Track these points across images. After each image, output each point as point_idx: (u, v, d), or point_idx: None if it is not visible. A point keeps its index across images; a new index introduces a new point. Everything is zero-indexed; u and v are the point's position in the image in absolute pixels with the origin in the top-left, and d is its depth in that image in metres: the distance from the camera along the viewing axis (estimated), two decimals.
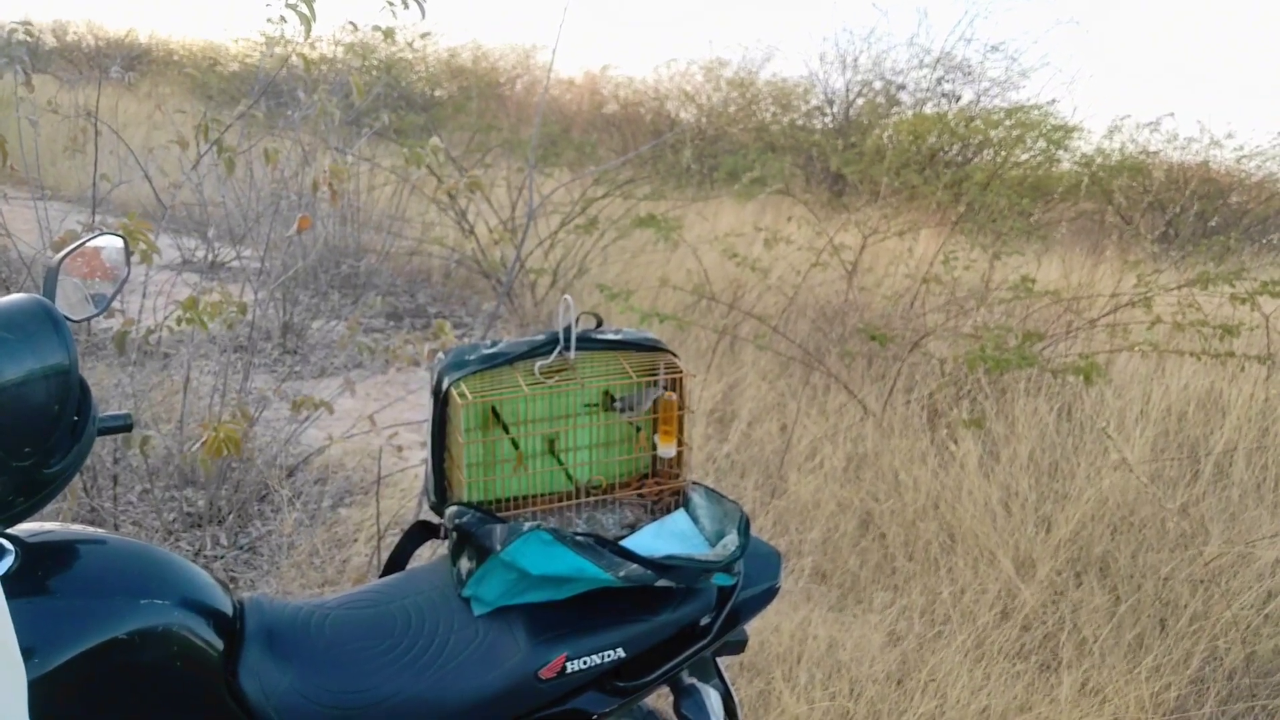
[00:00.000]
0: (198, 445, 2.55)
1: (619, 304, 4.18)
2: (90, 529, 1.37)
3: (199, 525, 3.29)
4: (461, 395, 1.42)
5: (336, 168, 2.53)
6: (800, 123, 10.98)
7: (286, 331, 5.38)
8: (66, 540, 1.31)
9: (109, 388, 3.99)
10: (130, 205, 5.65)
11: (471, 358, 1.46)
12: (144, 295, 3.12)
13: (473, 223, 6.62)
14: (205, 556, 3.13)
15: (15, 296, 1.20)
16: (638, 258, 6.70)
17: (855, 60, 11.61)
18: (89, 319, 1.38)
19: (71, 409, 1.23)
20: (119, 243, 1.41)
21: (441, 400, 1.45)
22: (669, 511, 1.56)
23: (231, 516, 3.33)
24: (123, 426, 1.39)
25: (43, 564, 1.24)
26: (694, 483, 1.59)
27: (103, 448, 3.19)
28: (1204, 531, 3.37)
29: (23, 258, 3.50)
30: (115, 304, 3.39)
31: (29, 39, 2.53)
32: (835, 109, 10.93)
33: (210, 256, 5.69)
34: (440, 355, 1.48)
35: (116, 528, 3.10)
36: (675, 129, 10.11)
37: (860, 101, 10.73)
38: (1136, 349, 4.29)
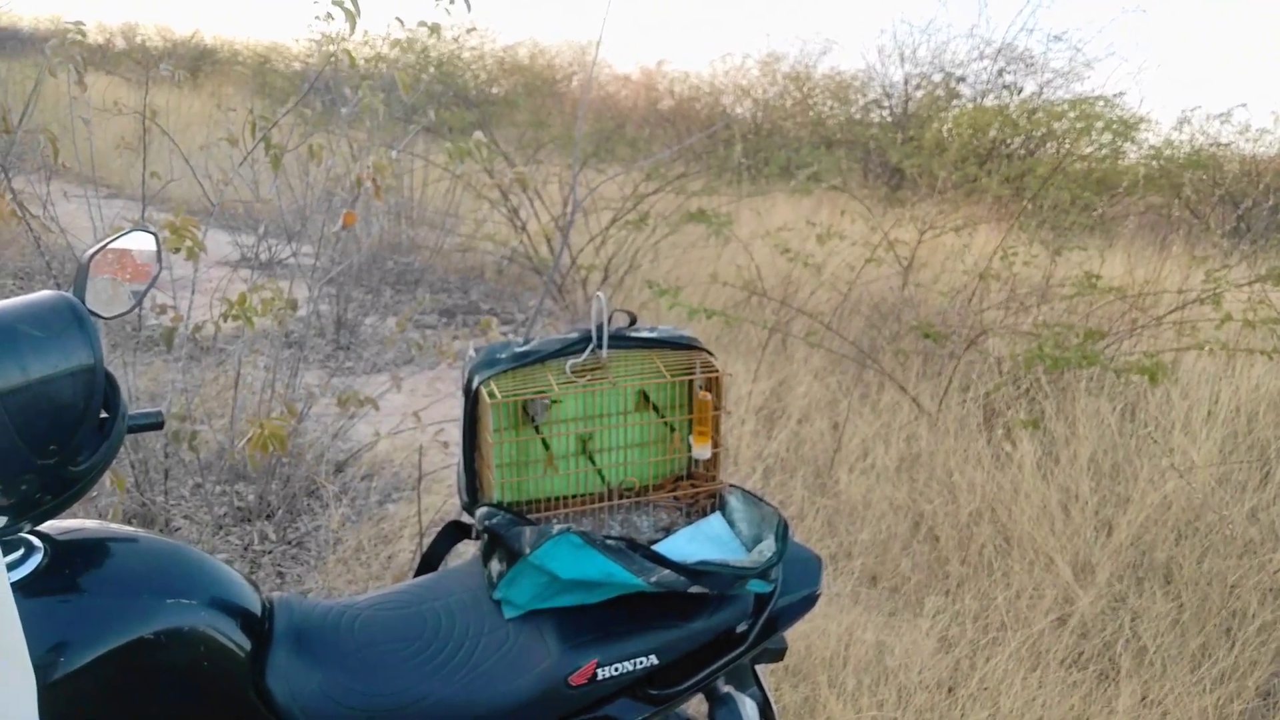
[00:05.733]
0: (244, 442, 2.57)
1: (667, 300, 4.13)
2: (121, 527, 1.37)
3: (249, 520, 3.32)
4: (491, 394, 1.39)
5: (380, 163, 2.53)
6: (857, 116, 10.82)
7: (340, 327, 5.43)
8: (96, 538, 1.31)
9: (165, 383, 4.06)
10: (186, 202, 5.75)
11: (502, 356, 1.43)
12: (193, 292, 3.15)
13: (524, 219, 6.62)
14: (254, 551, 3.16)
15: (43, 294, 1.20)
16: (689, 253, 6.65)
17: (914, 52, 11.42)
18: (119, 316, 1.38)
19: (98, 406, 1.23)
20: (150, 240, 1.40)
21: (472, 399, 1.42)
22: (705, 515, 1.51)
23: (280, 511, 3.35)
24: (153, 424, 1.39)
25: (71, 562, 1.24)
26: (731, 485, 1.55)
27: (155, 442, 3.24)
28: (1274, 538, 3.23)
29: (76, 255, 3.57)
30: (168, 300, 3.44)
31: (81, 39, 2.55)
32: (893, 102, 10.75)
33: (265, 253, 5.76)
34: (472, 353, 1.46)
35: (168, 523, 3.14)
36: (728, 123, 10.03)
37: (919, 94, 10.53)
38: (1205, 348, 4.13)
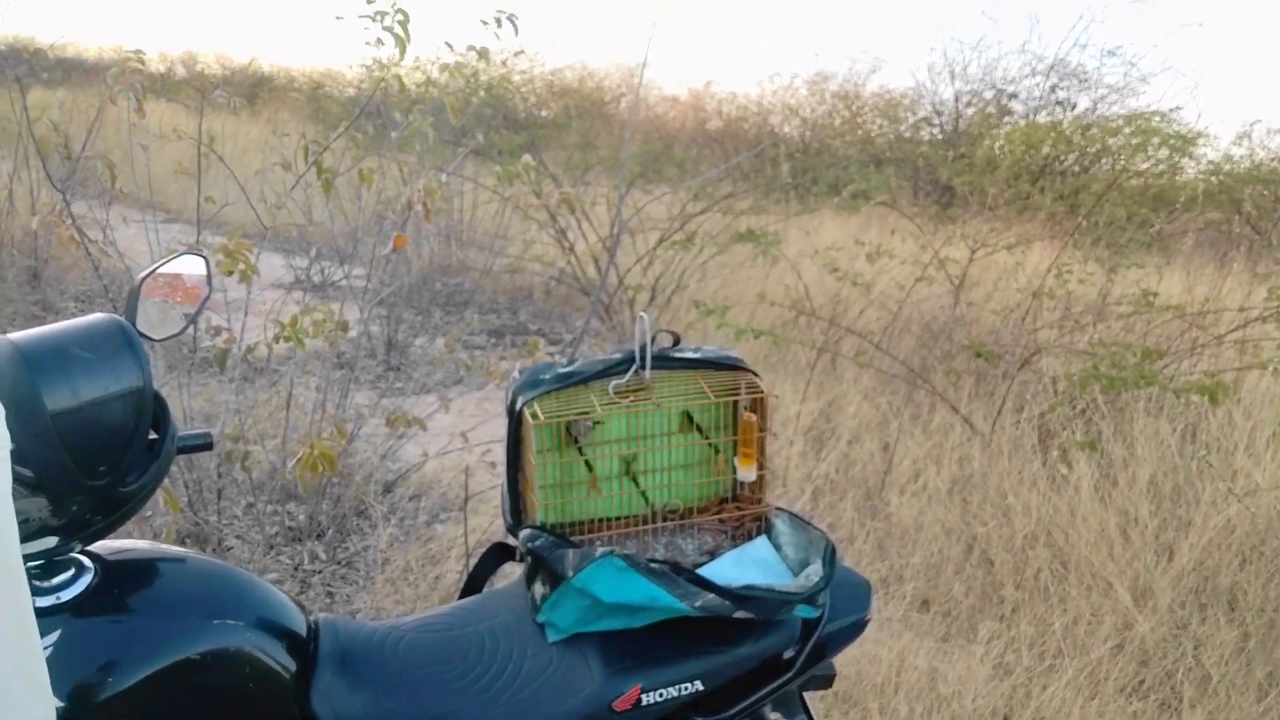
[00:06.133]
0: (295, 462, 2.60)
1: (714, 320, 4.12)
2: (170, 548, 1.38)
3: (299, 540, 3.36)
4: (534, 415, 1.39)
5: (430, 187, 2.55)
6: (907, 134, 10.74)
7: (390, 348, 5.49)
8: (145, 559, 1.33)
9: (219, 404, 4.13)
10: (242, 226, 5.88)
11: (546, 377, 1.43)
12: (246, 314, 3.20)
13: (572, 240, 6.65)
14: (304, 571, 3.19)
15: (94, 316, 1.22)
16: (736, 273, 6.63)
17: (964, 69, 11.30)
18: (170, 338, 1.40)
19: (147, 427, 1.24)
20: (201, 264, 1.42)
21: (515, 420, 1.42)
22: (750, 538, 1.49)
23: (330, 531, 3.38)
24: (202, 445, 1.40)
25: (120, 582, 1.25)
26: (777, 508, 1.53)
27: (208, 462, 3.29)
28: None
29: (133, 278, 3.65)
30: (222, 322, 3.51)
31: (141, 67, 2.62)
32: (943, 120, 10.65)
33: (318, 275, 5.85)
34: (516, 374, 1.45)
35: (220, 542, 3.19)
36: (776, 142, 10.01)
37: (970, 112, 10.43)
38: (1268, 367, 4.01)
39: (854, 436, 4.21)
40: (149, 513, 2.98)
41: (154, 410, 1.27)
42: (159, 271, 1.38)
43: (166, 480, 2.84)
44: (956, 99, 10.56)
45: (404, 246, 2.82)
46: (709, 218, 6.51)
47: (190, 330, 3.42)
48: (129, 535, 2.82)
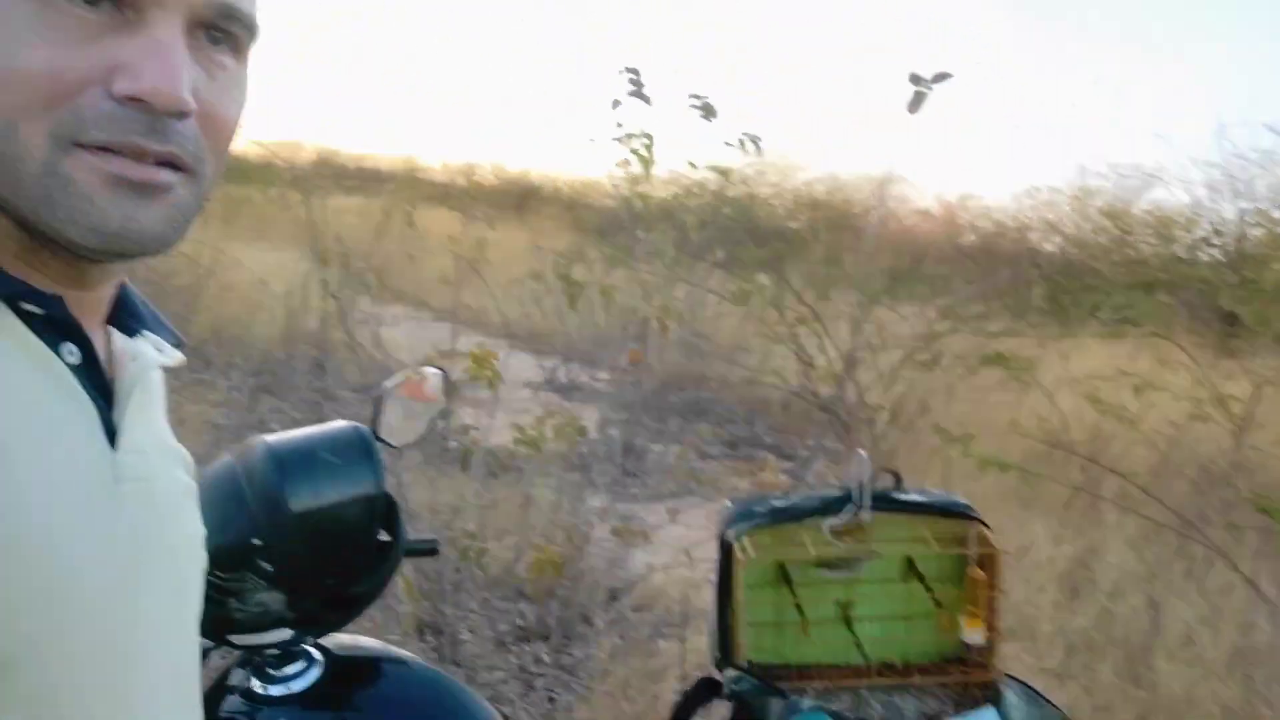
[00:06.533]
0: (524, 564, 2.68)
1: (958, 449, 3.90)
2: (395, 649, 1.44)
3: (528, 640, 3.43)
4: (744, 550, 1.35)
5: (666, 304, 2.62)
6: (1182, 255, 9.92)
7: (627, 453, 5.60)
8: (371, 658, 1.39)
9: (465, 496, 4.35)
10: (501, 326, 6.31)
11: (759, 510, 1.39)
12: (493, 416, 3.38)
13: (811, 355, 6.59)
14: (529, 673, 3.25)
15: (338, 423, 1.32)
16: (985, 398, 6.30)
17: (1249, 185, 10.37)
18: (407, 445, 1.49)
19: (378, 531, 1.32)
20: (439, 376, 1.52)
21: (725, 553, 1.38)
22: (976, 707, 1.36)
23: (556, 634, 3.43)
24: (428, 550, 1.47)
25: (347, 679, 1.32)
26: (1009, 677, 1.38)
27: (449, 554, 3.45)
28: None
29: (400, 369, 3.95)
30: (469, 420, 3.73)
31: (420, 178, 2.87)
32: (1225, 240, 9.77)
33: (564, 376, 6.12)
34: (728, 504, 1.43)
35: (454, 635, 3.30)
36: (1034, 260, 9.55)
37: (1257, 232, 9.52)
38: None
39: (1115, 589, 3.81)
40: (389, 599, 3.15)
41: (386, 513, 1.35)
42: (402, 382, 1.48)
43: (409, 570, 3.00)
44: (1241, 218, 9.67)
45: (639, 361, 2.89)
46: (958, 338, 6.26)
47: (440, 426, 3.66)
48: (370, 620, 2.99)
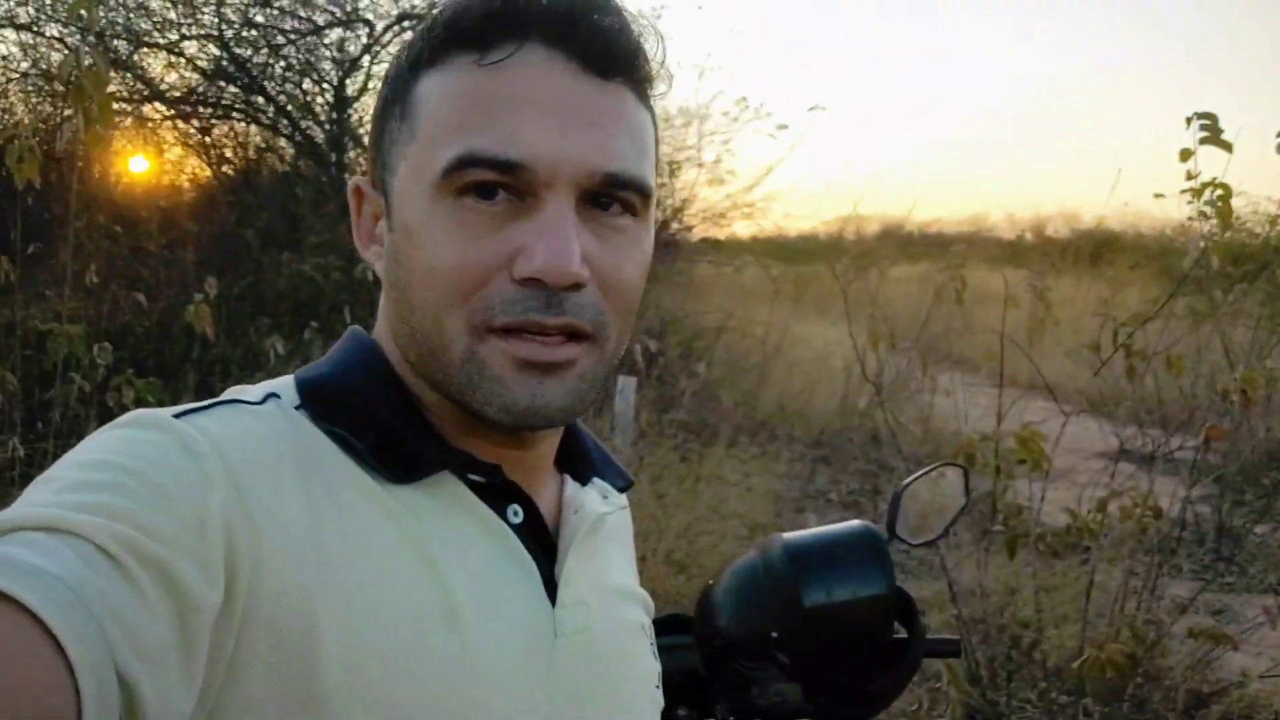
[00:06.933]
0: (1078, 662, 2.46)
1: None
2: None
3: None
4: None
5: (1248, 375, 2.25)
6: None
7: (1221, 534, 4.85)
8: None
9: (1021, 578, 4.10)
10: (1067, 393, 5.87)
11: None
12: (1043, 499, 3.18)
13: None
14: None
15: (850, 524, 1.36)
16: None
17: None
18: (924, 544, 1.47)
19: (889, 633, 1.32)
20: (960, 474, 1.48)
21: None
22: None
23: None
24: (949, 652, 1.43)
25: None
26: None
27: (1002, 639, 3.29)
28: None
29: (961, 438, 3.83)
30: (1024, 500, 3.52)
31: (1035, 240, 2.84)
32: None
33: (1137, 445, 5.50)
34: None
35: None
36: None
37: None
38: None
39: None
40: (938, 684, 3.09)
41: (901, 612, 1.35)
42: (920, 479, 1.47)
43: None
44: None
45: (1220, 437, 2.51)
46: None
47: (990, 503, 3.52)
48: (914, 699, 2.97)
